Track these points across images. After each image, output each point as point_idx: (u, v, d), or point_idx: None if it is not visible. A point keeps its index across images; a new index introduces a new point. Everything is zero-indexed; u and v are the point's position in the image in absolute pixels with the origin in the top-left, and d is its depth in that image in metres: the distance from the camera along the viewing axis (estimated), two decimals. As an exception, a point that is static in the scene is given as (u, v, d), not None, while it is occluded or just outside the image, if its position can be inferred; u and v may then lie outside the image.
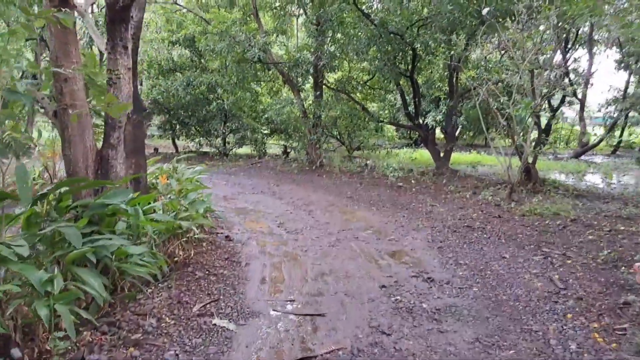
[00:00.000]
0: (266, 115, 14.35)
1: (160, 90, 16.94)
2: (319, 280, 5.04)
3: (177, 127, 19.13)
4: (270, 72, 16.66)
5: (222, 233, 6.94)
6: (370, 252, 6.19)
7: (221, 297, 4.50)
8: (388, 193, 10.71)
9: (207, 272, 5.13)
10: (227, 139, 18.36)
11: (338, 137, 20.41)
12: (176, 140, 20.33)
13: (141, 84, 18.39)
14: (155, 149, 19.95)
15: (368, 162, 15.55)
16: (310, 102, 15.78)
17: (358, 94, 17.69)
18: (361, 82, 17.37)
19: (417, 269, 5.52)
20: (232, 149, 18.45)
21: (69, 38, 4.75)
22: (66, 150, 4.90)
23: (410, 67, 14.21)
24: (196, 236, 5.82)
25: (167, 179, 6.42)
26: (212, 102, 16.60)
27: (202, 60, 18.19)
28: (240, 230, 7.19)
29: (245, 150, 19.88)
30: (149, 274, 4.42)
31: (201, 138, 18.86)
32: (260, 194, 10.61)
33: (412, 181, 12.13)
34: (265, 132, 17.92)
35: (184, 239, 5.52)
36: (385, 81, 16.23)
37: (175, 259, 5.38)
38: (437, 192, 10.77)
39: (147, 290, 4.45)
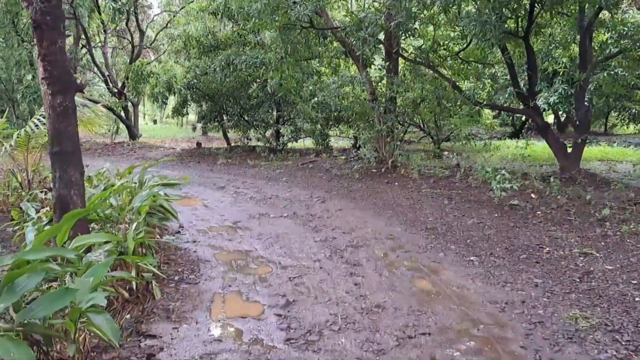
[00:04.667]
0: (316, 99, 10.57)
1: (197, 72, 13.72)
2: None
3: (225, 117, 15.92)
4: (328, 40, 12.79)
5: (140, 351, 3.30)
6: None
7: None
8: (496, 221, 6.51)
9: None
10: (280, 131, 14.81)
11: (421, 125, 16.16)
12: (227, 133, 17.11)
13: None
14: (198, 144, 16.93)
15: (461, 162, 11.25)
16: (379, 78, 11.79)
17: (446, 70, 13.31)
18: (451, 54, 12.97)
19: None
20: (286, 143, 14.87)
21: None
22: None
23: (525, 23, 9.74)
24: None
25: None
26: (253, 85, 13.07)
27: (251, 35, 14.76)
28: (193, 333, 3.51)
29: (303, 144, 16.26)
30: None
31: (252, 130, 15.49)
32: (291, 218, 6.89)
33: (533, 195, 7.77)
34: (321, 120, 14.08)
35: None
36: (486, 48, 11.75)
37: None
38: (582, 219, 6.38)
39: None
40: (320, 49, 13.77)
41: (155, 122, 37.00)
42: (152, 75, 14.51)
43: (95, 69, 19.11)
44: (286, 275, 4.59)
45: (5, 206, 7.31)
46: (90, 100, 18.96)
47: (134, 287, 3.89)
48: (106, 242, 3.72)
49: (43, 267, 2.64)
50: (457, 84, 12.22)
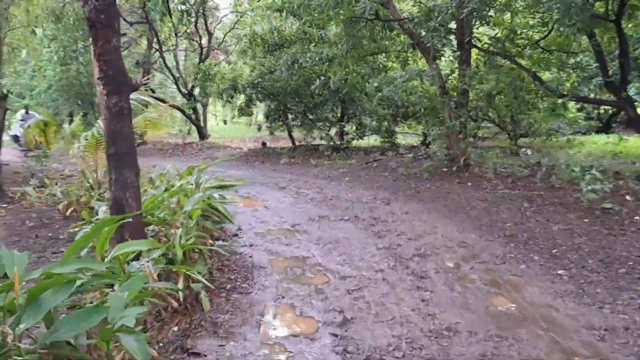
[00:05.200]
0: (381, 94, 10.05)
1: (262, 71, 13.61)
2: None
3: (289, 116, 15.73)
4: (394, 33, 12.18)
5: None
6: None
7: None
8: (586, 227, 5.71)
9: None
10: (345, 129, 14.37)
11: (495, 120, 15.11)
12: (292, 132, 16.92)
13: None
14: (264, 144, 16.89)
15: (541, 159, 10.30)
16: (450, 71, 11.09)
17: (525, 60, 12.29)
18: (531, 42, 11.94)
19: None
20: (350, 142, 14.44)
21: None
22: None
23: (615, 5, 8.70)
24: None
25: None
26: (316, 82, 12.69)
27: (315, 30, 14.47)
28: (240, 352, 3.18)
29: (370, 141, 15.73)
30: None
31: (315, 129, 15.19)
32: (352, 221, 6.45)
33: (628, 198, 6.81)
34: (387, 116, 13.42)
35: None
36: (570, 35, 10.70)
37: None
38: (692, 226, 5.47)
39: None
40: (386, 42, 13.23)
41: (225, 122, 37.83)
42: (217, 74, 14.62)
43: (167, 71, 19.61)
44: (344, 287, 4.17)
45: (79, 206, 7.47)
46: (158, 99, 19.49)
47: (182, 297, 3.65)
48: (150, 250, 3.49)
49: (69, 279, 2.39)
50: (537, 74, 11.24)
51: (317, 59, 12.88)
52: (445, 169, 9.92)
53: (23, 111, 14.48)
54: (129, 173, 4.33)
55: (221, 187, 5.32)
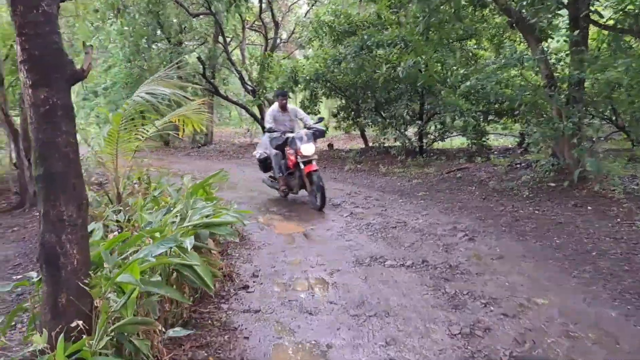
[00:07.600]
0: (468, 83, 7.85)
1: (325, 62, 11.80)
2: None
3: (362, 114, 13.78)
4: (487, 11, 9.81)
5: None
6: None
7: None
8: None
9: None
10: (424, 129, 12.13)
11: (613, 119, 12.14)
12: (365, 131, 14.95)
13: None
14: (330, 145, 15.06)
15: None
16: (559, 57, 8.61)
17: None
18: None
19: None
20: (430, 144, 12.20)
21: None
22: None
23: None
24: None
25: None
26: (382, 68, 10.56)
27: (389, 12, 12.41)
28: None
29: (453, 142, 13.36)
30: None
31: (389, 128, 13.08)
32: (416, 270, 4.43)
33: None
34: (475, 113, 10.92)
35: None
36: None
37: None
38: None
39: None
40: (477, 25, 10.89)
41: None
42: (275, 65, 13.08)
43: (232, 67, 18.44)
44: None
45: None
46: (231, 101, 18.37)
47: None
48: None
49: None
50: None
51: (388, 43, 10.84)
52: (552, 184, 7.53)
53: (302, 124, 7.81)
54: (67, 205, 2.73)
55: (207, 226, 3.58)
